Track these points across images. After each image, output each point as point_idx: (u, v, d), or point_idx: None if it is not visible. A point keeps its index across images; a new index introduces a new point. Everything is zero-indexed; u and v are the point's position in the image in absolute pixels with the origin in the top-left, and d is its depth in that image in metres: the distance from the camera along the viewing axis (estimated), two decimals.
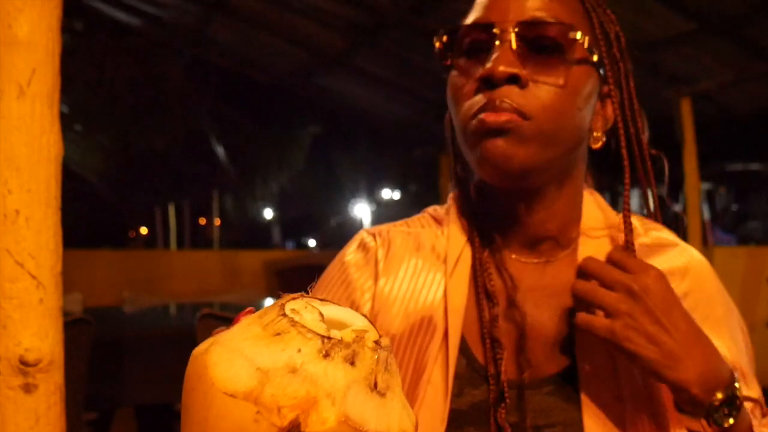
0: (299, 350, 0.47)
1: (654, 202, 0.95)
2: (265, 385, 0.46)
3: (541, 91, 0.82)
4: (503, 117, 0.81)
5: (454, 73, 0.88)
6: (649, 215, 0.96)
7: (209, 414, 0.47)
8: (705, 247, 6.15)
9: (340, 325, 0.51)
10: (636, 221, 0.93)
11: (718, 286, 0.93)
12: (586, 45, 0.85)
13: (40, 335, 1.24)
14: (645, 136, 0.94)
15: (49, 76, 1.26)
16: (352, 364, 0.48)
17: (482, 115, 0.82)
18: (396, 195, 20.57)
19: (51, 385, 1.25)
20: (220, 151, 15.22)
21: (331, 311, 0.52)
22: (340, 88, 7.99)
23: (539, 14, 0.84)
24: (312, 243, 21.24)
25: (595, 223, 0.92)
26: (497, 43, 0.83)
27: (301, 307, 0.51)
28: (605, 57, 0.88)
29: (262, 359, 0.47)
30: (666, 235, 0.94)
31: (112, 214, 16.95)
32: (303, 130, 16.42)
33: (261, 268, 8.25)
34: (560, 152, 0.85)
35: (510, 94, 0.81)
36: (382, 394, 0.49)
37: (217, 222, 17.96)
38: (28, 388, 1.23)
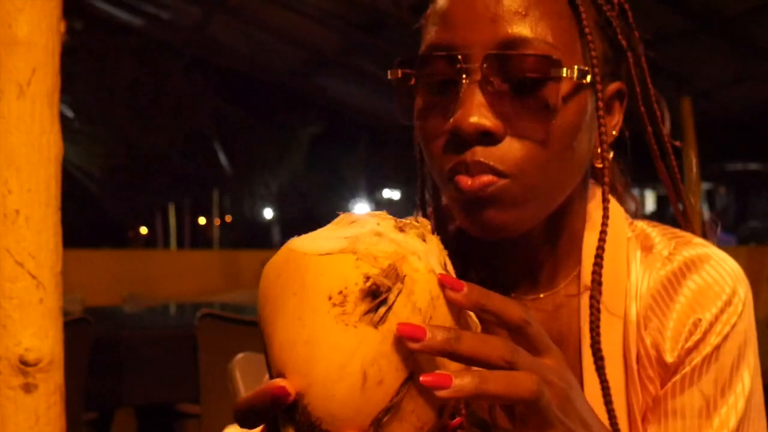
0: (378, 224, 0.52)
1: (683, 203, 0.84)
2: (356, 243, 0.50)
3: (522, 145, 0.69)
4: (480, 182, 0.68)
5: (419, 103, 0.74)
6: (680, 222, 0.84)
7: (306, 278, 0.50)
8: None
9: (426, 223, 0.57)
10: (659, 237, 0.80)
11: (747, 333, 0.76)
12: (575, 75, 0.69)
13: (40, 335, 1.24)
14: (666, 127, 0.84)
15: (49, 76, 1.26)
16: (424, 240, 0.53)
17: (457, 179, 0.70)
18: (396, 195, 20.58)
19: (51, 385, 1.25)
20: (220, 151, 15.22)
21: (418, 221, 0.57)
22: (340, 88, 7.99)
23: (515, 31, 0.69)
24: None
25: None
26: (464, 79, 0.69)
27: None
28: (609, 50, 0.76)
29: (345, 232, 0.52)
30: (698, 250, 0.78)
31: (112, 214, 16.95)
32: (303, 129, 16.42)
33: (261, 268, 8.22)
34: (562, 196, 0.74)
35: (484, 153, 0.69)
36: (449, 273, 0.53)
37: (217, 222, 17.97)
38: (28, 388, 1.23)
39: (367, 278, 0.49)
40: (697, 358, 0.73)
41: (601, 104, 0.71)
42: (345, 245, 0.50)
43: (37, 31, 1.24)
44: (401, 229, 0.52)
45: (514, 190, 0.69)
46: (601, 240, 0.73)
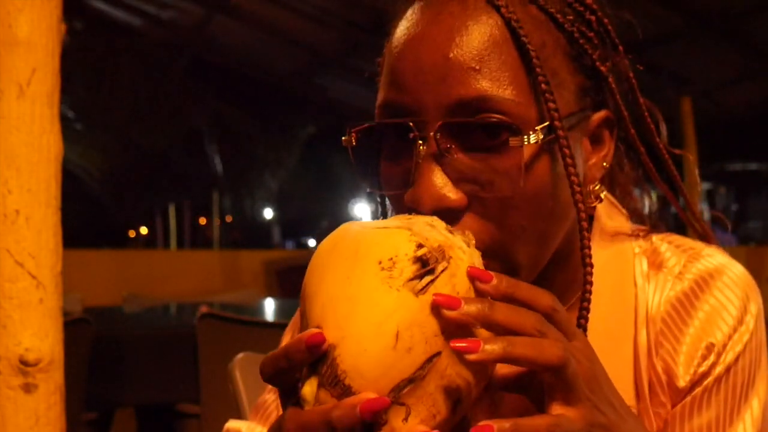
0: (431, 222, 0.56)
1: (689, 210, 0.80)
2: (411, 226, 0.54)
3: (488, 217, 0.63)
4: None
5: (382, 168, 0.68)
6: (693, 228, 0.81)
7: (360, 246, 0.53)
8: None
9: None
10: (669, 252, 0.75)
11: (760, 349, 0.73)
12: (539, 137, 0.62)
13: (40, 335, 1.24)
14: (663, 138, 0.79)
15: (49, 76, 1.26)
16: (469, 246, 0.56)
17: None
18: None
19: (51, 385, 1.25)
20: (220, 150, 15.22)
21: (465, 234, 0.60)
22: (340, 88, 7.99)
23: (469, 90, 0.61)
24: (312, 243, 21.25)
25: (604, 261, 0.75)
26: (420, 147, 0.62)
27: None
28: (586, 81, 0.69)
29: (400, 222, 0.55)
30: (707, 264, 0.74)
31: (112, 214, 16.95)
32: (303, 129, 16.42)
33: (261, 268, 8.25)
34: (555, 242, 0.69)
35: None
36: None
37: (217, 222, 17.96)
38: (28, 388, 1.23)
39: (420, 246, 0.52)
40: (709, 380, 0.71)
41: (569, 160, 0.63)
42: (401, 224, 0.54)
43: (37, 31, 1.24)
44: (450, 231, 0.56)
45: (492, 267, 0.61)
46: (583, 309, 0.66)
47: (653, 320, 0.73)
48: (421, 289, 0.51)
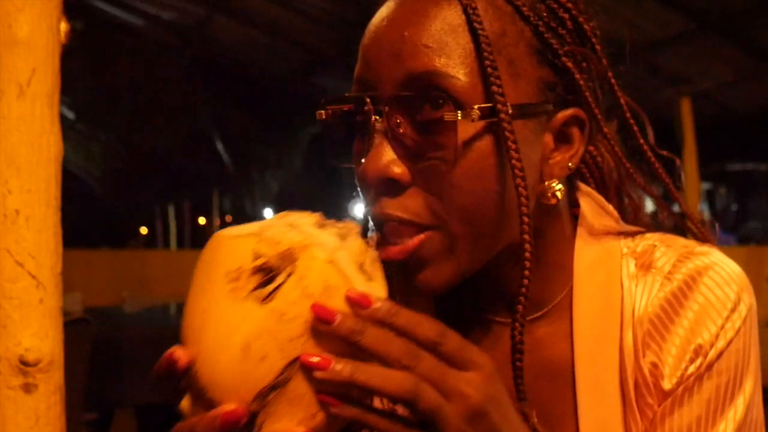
0: (299, 218, 0.56)
1: (681, 209, 0.79)
2: (266, 230, 0.54)
3: (431, 194, 0.64)
4: (406, 250, 0.64)
5: (356, 139, 0.70)
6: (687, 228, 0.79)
7: (216, 255, 0.54)
8: None
9: (354, 227, 0.60)
10: (660, 251, 0.74)
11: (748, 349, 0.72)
12: (477, 115, 0.63)
13: (40, 335, 1.24)
14: (650, 138, 0.77)
15: (49, 76, 1.26)
16: (343, 239, 0.55)
17: (383, 250, 0.65)
18: None
19: (51, 385, 1.25)
20: (220, 150, 15.22)
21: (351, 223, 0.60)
22: (340, 88, 8.00)
23: (418, 66, 0.63)
24: None
25: (591, 261, 0.75)
26: (376, 123, 0.64)
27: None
28: (551, 76, 0.68)
29: (267, 223, 0.56)
30: (697, 263, 0.73)
31: (112, 214, 16.94)
32: (303, 129, 16.42)
33: None
34: (502, 239, 0.68)
35: (389, 206, 0.65)
36: (369, 277, 0.55)
37: (217, 222, 17.96)
38: (28, 388, 1.23)
39: (258, 257, 0.52)
40: (691, 378, 0.70)
41: (512, 144, 0.64)
42: (255, 230, 0.54)
43: (37, 31, 1.24)
44: (321, 226, 0.56)
45: (436, 245, 0.65)
46: (517, 312, 0.66)
47: (640, 321, 0.72)
48: (265, 298, 0.51)
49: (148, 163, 14.01)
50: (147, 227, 19.47)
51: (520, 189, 0.65)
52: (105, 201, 16.06)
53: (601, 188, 0.83)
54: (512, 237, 0.68)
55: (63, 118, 1.28)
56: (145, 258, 8.98)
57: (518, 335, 0.66)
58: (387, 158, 0.64)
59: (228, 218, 20.08)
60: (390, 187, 0.65)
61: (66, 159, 1.29)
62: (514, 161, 0.64)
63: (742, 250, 7.37)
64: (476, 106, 0.63)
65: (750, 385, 0.71)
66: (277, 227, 0.54)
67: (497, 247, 0.69)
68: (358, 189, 0.71)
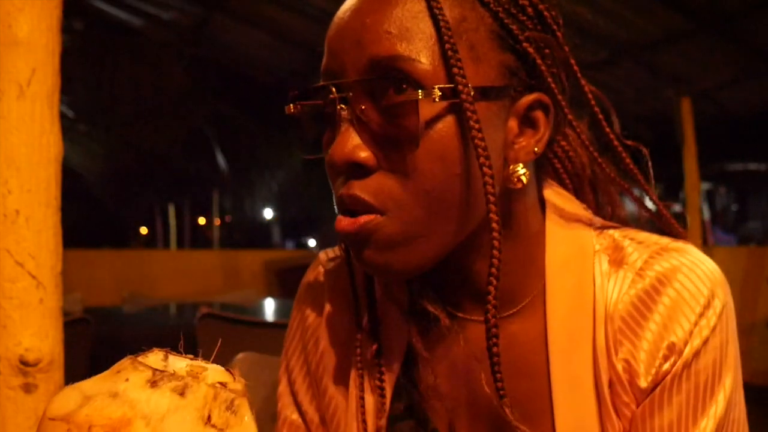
0: (127, 379, 0.49)
1: (654, 203, 0.79)
2: (82, 407, 0.48)
3: (393, 177, 0.65)
4: (356, 223, 0.66)
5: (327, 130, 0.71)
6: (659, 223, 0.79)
7: None
8: (705, 246, 6.15)
9: (200, 369, 0.53)
10: (632, 247, 0.74)
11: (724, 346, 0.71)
12: (437, 95, 0.64)
13: (40, 335, 1.24)
14: (615, 127, 0.77)
15: (49, 76, 1.26)
16: (182, 395, 0.49)
17: (338, 218, 0.68)
18: None
19: (51, 385, 1.25)
20: (220, 151, 15.22)
21: (195, 362, 0.55)
22: None
23: (380, 52, 0.65)
24: (312, 243, 21.27)
25: (564, 258, 0.75)
26: (342, 111, 0.66)
27: (154, 354, 0.54)
28: (512, 60, 0.69)
29: (91, 389, 0.49)
30: (672, 261, 0.72)
31: (112, 214, 16.94)
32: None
33: (261, 268, 8.25)
34: (465, 228, 0.69)
35: (355, 187, 0.66)
36: (221, 428, 0.50)
37: (217, 222, 17.97)
38: (28, 388, 1.23)
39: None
40: (668, 378, 0.70)
41: (474, 124, 0.64)
42: (72, 408, 0.49)
43: (37, 31, 1.24)
44: (154, 383, 0.49)
45: (391, 228, 0.66)
46: (489, 293, 0.66)
47: (611, 318, 0.72)
48: None
49: (148, 163, 14.01)
50: (147, 227, 19.47)
51: (484, 169, 0.65)
52: (105, 201, 16.06)
53: (576, 183, 0.83)
54: (477, 224, 0.70)
55: (63, 118, 1.28)
56: (145, 258, 8.98)
57: (493, 328, 0.66)
58: (353, 143, 0.66)
59: (228, 218, 20.08)
60: (356, 171, 0.66)
61: (66, 159, 1.29)
62: (477, 141, 0.65)
63: (742, 250, 7.37)
64: (437, 86, 0.64)
65: (730, 383, 0.71)
66: (97, 400, 0.48)
67: (461, 233, 0.69)
68: (329, 179, 0.72)
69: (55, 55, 1.27)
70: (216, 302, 5.00)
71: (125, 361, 0.51)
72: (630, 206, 0.84)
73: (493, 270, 0.66)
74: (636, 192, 0.81)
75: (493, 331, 0.66)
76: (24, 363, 1.22)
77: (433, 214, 0.66)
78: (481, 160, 0.65)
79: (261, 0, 6.00)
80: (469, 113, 0.65)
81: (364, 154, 0.66)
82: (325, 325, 0.86)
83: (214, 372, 0.53)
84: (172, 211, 16.60)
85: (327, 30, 0.73)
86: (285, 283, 7.63)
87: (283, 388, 0.92)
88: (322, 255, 0.91)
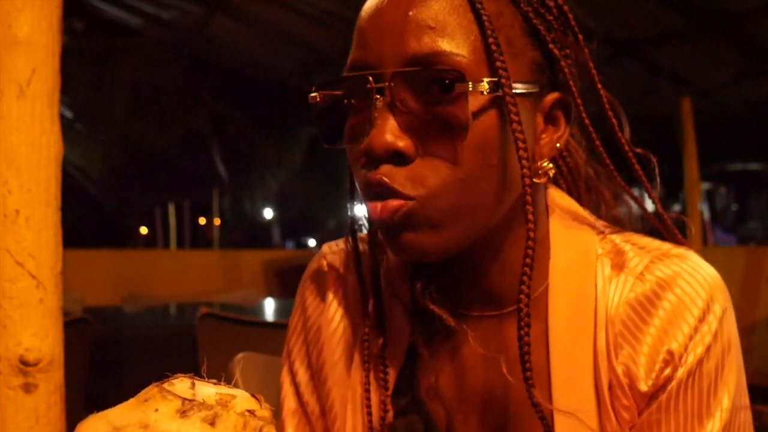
0: (157, 410, 0.48)
1: (658, 209, 0.79)
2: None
3: (433, 165, 0.67)
4: (387, 207, 0.67)
5: (346, 126, 0.72)
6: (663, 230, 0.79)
7: None
8: (705, 246, 6.15)
9: (229, 398, 0.52)
10: (633, 252, 0.75)
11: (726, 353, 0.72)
12: (485, 88, 0.65)
13: (40, 335, 1.24)
14: (626, 134, 0.78)
15: (49, 76, 1.26)
16: (212, 424, 0.49)
17: (371, 207, 0.68)
18: None
19: (51, 385, 1.25)
20: (220, 150, 15.22)
21: (222, 389, 0.54)
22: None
23: (423, 45, 0.66)
24: (312, 243, 21.26)
25: (568, 261, 0.75)
26: (377, 101, 0.66)
27: (180, 381, 0.53)
28: (542, 59, 0.72)
29: (120, 419, 0.49)
30: (672, 267, 0.73)
31: (112, 214, 16.94)
32: (303, 129, 16.42)
33: (261, 268, 8.24)
34: (494, 215, 0.71)
35: (392, 175, 0.67)
36: None
37: (217, 222, 17.97)
38: (28, 388, 1.23)
39: None
40: (672, 384, 0.70)
41: (515, 117, 0.66)
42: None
43: (37, 31, 1.24)
44: (184, 413, 0.49)
45: (424, 213, 0.67)
46: (523, 283, 0.68)
47: (612, 322, 0.72)
48: None
49: (147, 163, 14.01)
50: (147, 227, 19.47)
51: (523, 161, 0.67)
52: (105, 201, 16.06)
53: (571, 183, 0.84)
54: (502, 215, 0.71)
55: (63, 118, 1.28)
56: (145, 258, 8.98)
57: (525, 317, 0.68)
58: (393, 133, 0.66)
59: (228, 218, 20.07)
60: (393, 159, 0.67)
61: (65, 159, 1.29)
62: (517, 134, 0.67)
63: (742, 250, 7.37)
64: (485, 80, 0.66)
65: (733, 386, 0.71)
66: (128, 431, 0.48)
67: (488, 223, 0.71)
68: (351, 166, 0.73)
69: (55, 55, 1.27)
70: (216, 302, 5.00)
71: (152, 389, 0.50)
72: (624, 206, 0.86)
73: (527, 260, 0.68)
74: (636, 192, 0.82)
75: (525, 320, 0.68)
76: (24, 363, 1.22)
77: (467, 201, 0.68)
78: (521, 152, 0.67)
79: (261, 0, 6.00)
80: (510, 106, 0.66)
81: (404, 143, 0.66)
82: (327, 317, 0.87)
83: (243, 399, 0.52)
84: (172, 211, 16.60)
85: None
86: (285, 283, 7.63)
87: (284, 376, 0.93)
88: (326, 248, 0.92)
